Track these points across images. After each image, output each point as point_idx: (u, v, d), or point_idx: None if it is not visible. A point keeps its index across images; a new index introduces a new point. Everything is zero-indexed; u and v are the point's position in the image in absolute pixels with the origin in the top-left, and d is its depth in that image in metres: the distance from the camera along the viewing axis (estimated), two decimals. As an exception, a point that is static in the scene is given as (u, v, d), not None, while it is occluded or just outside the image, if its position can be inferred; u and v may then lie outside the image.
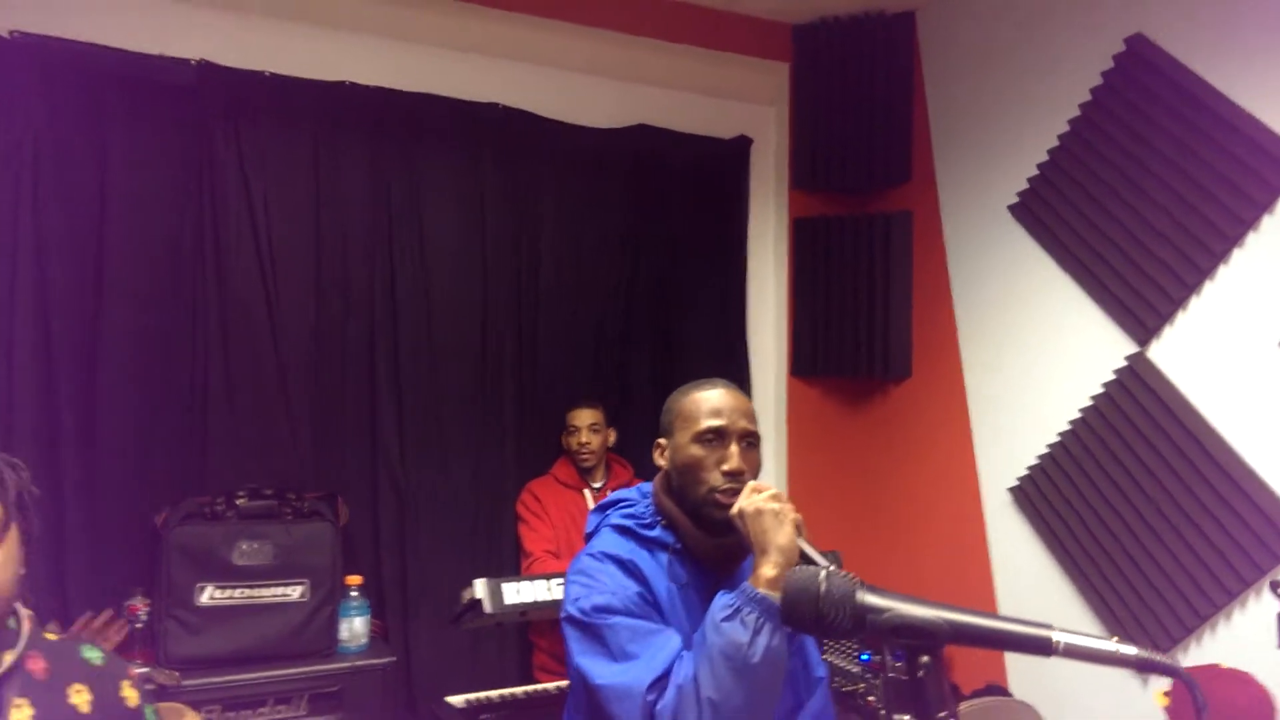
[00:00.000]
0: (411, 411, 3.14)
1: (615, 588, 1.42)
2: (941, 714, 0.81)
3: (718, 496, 1.46)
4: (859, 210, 3.83)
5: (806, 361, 3.85)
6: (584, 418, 3.21)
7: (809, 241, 3.84)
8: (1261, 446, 2.45)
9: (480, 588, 2.40)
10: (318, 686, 2.58)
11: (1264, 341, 2.45)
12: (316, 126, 3.04)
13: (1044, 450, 3.07)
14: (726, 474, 1.47)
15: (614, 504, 1.62)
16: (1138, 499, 2.74)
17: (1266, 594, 2.43)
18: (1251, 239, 2.50)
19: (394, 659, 2.73)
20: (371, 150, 3.12)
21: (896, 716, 2.44)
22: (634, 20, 3.50)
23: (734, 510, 1.39)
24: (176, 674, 2.42)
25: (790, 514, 1.36)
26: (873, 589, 0.86)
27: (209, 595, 2.55)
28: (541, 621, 3.06)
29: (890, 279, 3.69)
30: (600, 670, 1.35)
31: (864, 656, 3.16)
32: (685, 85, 3.68)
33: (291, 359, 2.98)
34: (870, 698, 3.08)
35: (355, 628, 2.73)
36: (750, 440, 1.52)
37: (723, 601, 1.32)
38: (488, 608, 2.38)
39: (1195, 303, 2.64)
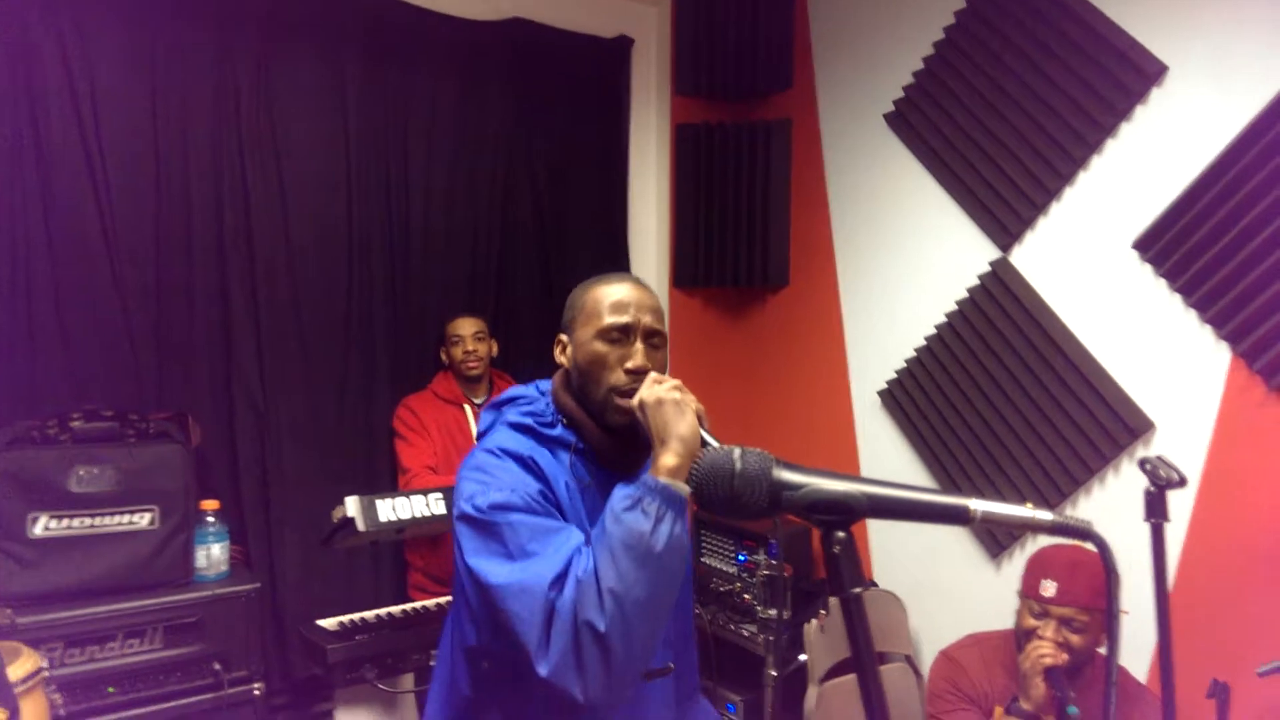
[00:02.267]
0: (269, 325, 2.93)
1: (514, 484, 1.33)
2: (856, 589, 0.78)
3: (618, 399, 1.40)
4: (740, 117, 3.78)
5: (688, 271, 3.82)
6: (467, 326, 3.08)
7: (690, 148, 3.77)
8: (1112, 344, 2.59)
9: (352, 505, 2.28)
10: (173, 618, 2.42)
11: (1118, 243, 2.56)
12: (152, 13, 2.71)
13: (911, 354, 3.17)
14: (629, 372, 1.40)
15: (509, 401, 1.52)
16: (996, 397, 2.87)
17: (1115, 479, 2.60)
18: (1110, 145, 2.59)
19: (257, 585, 2.58)
20: (217, 42, 2.83)
21: (770, 611, 2.48)
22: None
23: (634, 401, 1.34)
24: (9, 611, 2.21)
25: (692, 403, 1.32)
26: (788, 465, 0.82)
27: (43, 526, 2.34)
28: (418, 540, 2.97)
29: (769, 187, 3.68)
30: (496, 569, 1.27)
31: (740, 557, 3.24)
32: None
33: (129, 273, 2.71)
34: (746, 595, 3.17)
35: (213, 554, 2.57)
36: (656, 340, 1.45)
37: (623, 493, 1.26)
38: (361, 525, 2.27)
39: (1056, 208, 2.74)
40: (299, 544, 2.93)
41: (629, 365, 1.40)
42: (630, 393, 1.38)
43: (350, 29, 3.04)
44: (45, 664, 2.08)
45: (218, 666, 2.46)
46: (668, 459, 1.26)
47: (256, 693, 2.52)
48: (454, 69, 3.27)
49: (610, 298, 1.44)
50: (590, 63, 3.59)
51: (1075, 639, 2.01)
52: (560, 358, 1.51)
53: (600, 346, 1.42)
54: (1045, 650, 1.98)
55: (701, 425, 1.30)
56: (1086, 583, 2.03)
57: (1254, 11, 2.25)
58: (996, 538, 2.89)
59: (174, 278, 2.79)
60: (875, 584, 3.21)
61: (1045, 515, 0.76)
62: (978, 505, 0.76)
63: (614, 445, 1.44)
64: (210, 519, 2.58)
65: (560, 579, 1.23)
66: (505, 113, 3.39)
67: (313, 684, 3.00)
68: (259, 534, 2.90)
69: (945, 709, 2.21)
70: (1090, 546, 0.76)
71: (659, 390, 1.32)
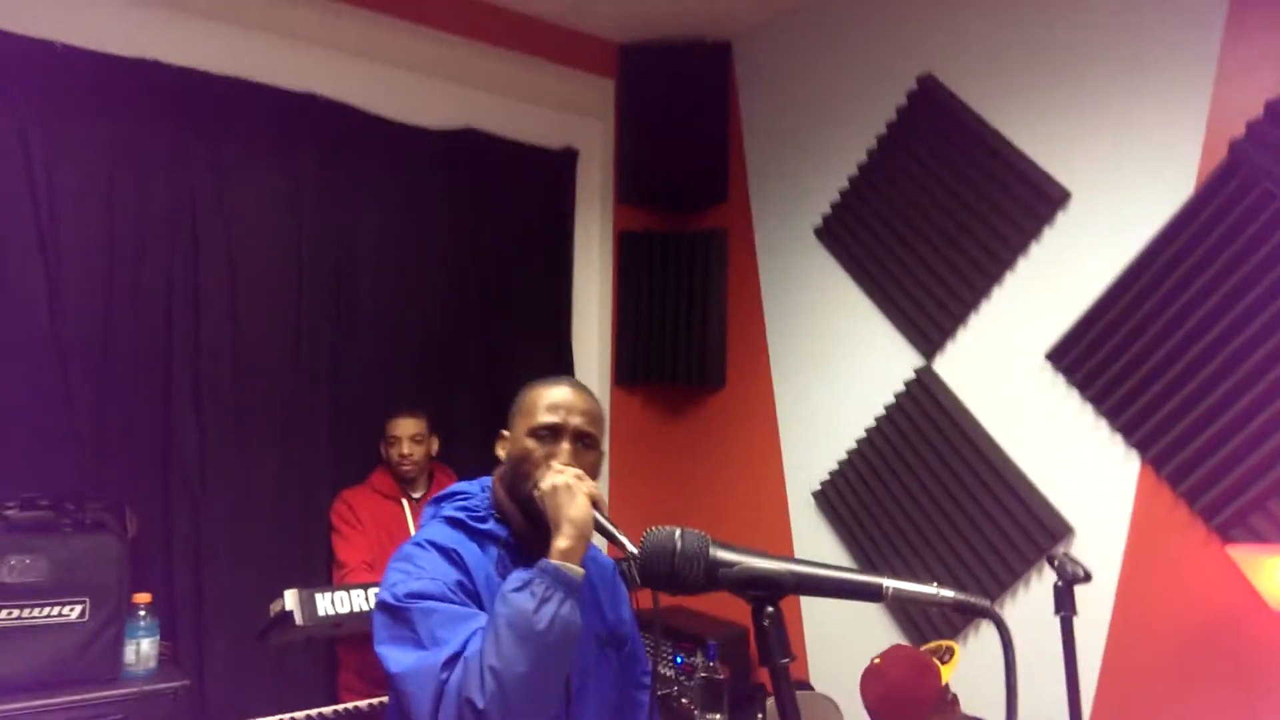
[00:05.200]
0: (212, 416, 2.94)
1: (435, 573, 1.40)
2: (784, 660, 0.86)
3: (535, 491, 1.44)
4: (680, 227, 3.98)
5: (628, 370, 3.94)
6: (406, 427, 3.10)
7: (632, 254, 3.94)
8: (1028, 448, 2.74)
9: (290, 599, 2.27)
10: (99, 715, 2.34)
11: (1032, 354, 2.74)
12: (112, 107, 2.81)
13: (843, 455, 3.29)
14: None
15: (449, 496, 1.59)
16: (924, 499, 2.99)
17: (1038, 582, 2.71)
18: (1022, 264, 2.80)
19: (186, 682, 2.52)
20: (174, 137, 2.92)
21: (709, 716, 2.50)
22: (464, 22, 3.49)
23: (534, 490, 1.41)
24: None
25: (584, 488, 1.39)
26: (723, 545, 0.91)
27: (-31, 617, 2.26)
28: (351, 637, 2.93)
29: (707, 293, 3.85)
30: (401, 657, 1.32)
31: (678, 659, 3.25)
32: (514, 93, 3.69)
33: (75, 356, 2.72)
34: (684, 699, 3.16)
35: (143, 649, 2.51)
36: (586, 440, 1.51)
37: (515, 576, 1.33)
38: (299, 619, 2.26)
39: (974, 319, 2.93)
40: (229, 639, 2.87)
41: (554, 464, 1.46)
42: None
43: (306, 132, 3.17)
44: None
45: (142, 768, 2.38)
46: (560, 542, 1.34)
47: (178, 798, 2.43)
48: (405, 173, 3.41)
49: (546, 399, 1.52)
50: (537, 171, 3.77)
51: None
52: (499, 452, 1.58)
53: (530, 443, 1.49)
54: None
55: (597, 509, 1.38)
56: (899, 707, 2.10)
57: (1150, 134, 2.48)
58: (924, 633, 2.97)
59: (119, 368, 2.80)
60: (812, 687, 3.25)
61: (948, 593, 0.86)
62: (889, 583, 0.86)
63: (539, 540, 1.46)
64: (142, 612, 2.53)
65: (453, 660, 1.29)
66: (454, 215, 3.52)
67: (236, 790, 2.89)
68: (189, 628, 2.83)
69: None
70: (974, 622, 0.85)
71: (555, 478, 1.39)
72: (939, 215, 3.00)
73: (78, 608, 2.39)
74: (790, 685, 0.86)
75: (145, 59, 2.85)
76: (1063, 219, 2.69)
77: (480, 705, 1.22)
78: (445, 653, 1.29)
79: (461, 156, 3.52)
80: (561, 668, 1.33)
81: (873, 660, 2.17)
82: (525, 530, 1.49)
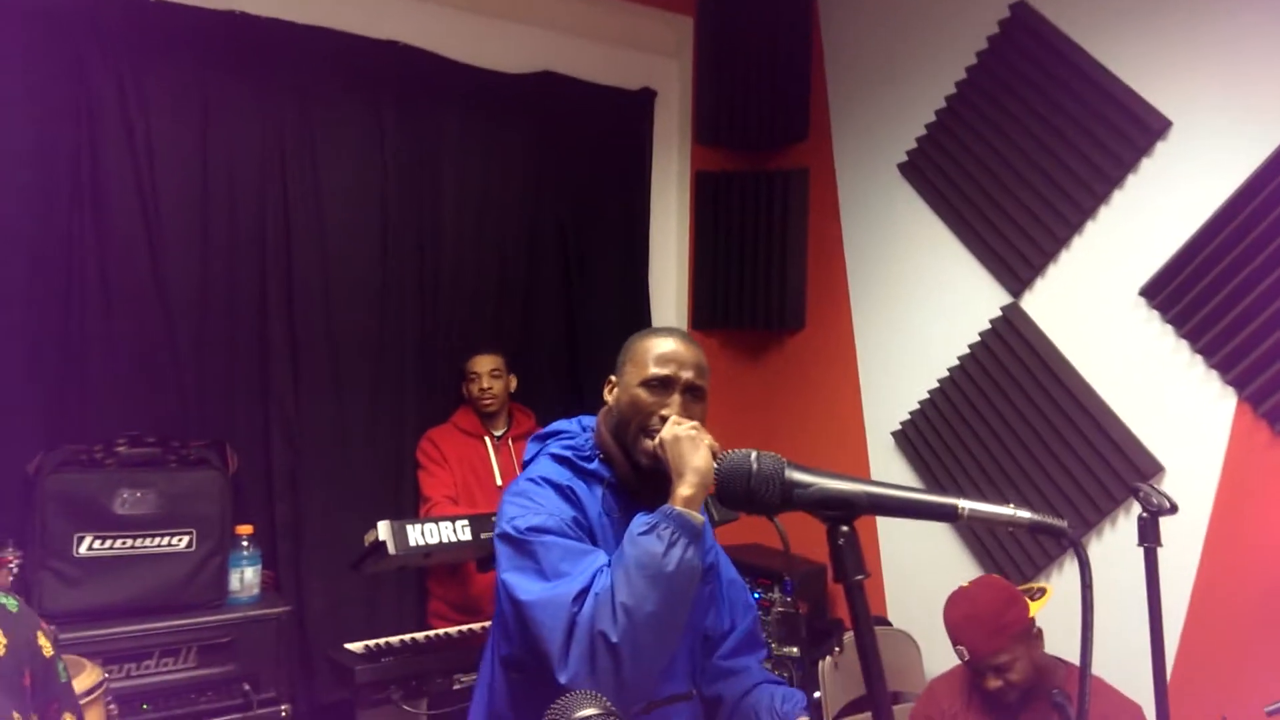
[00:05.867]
0: (306, 359, 3.06)
1: (552, 509, 1.46)
2: (859, 576, 0.87)
3: (644, 438, 1.51)
4: (759, 166, 3.92)
5: (706, 314, 3.93)
6: (484, 364, 3.19)
7: (710, 195, 3.91)
8: (1121, 388, 2.66)
9: (384, 529, 2.38)
10: (207, 638, 2.50)
11: (1125, 290, 2.64)
12: (204, 59, 2.89)
13: (924, 396, 3.24)
14: (663, 419, 1.50)
15: (554, 434, 1.65)
16: (1009, 439, 2.93)
17: (1126, 521, 2.65)
18: (1117, 197, 2.68)
19: (289, 608, 2.67)
20: (262, 86, 2.99)
21: (786, 649, 2.54)
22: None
23: (654, 441, 1.45)
24: (53, 628, 2.30)
25: (706, 439, 1.43)
26: (799, 467, 0.93)
27: (88, 546, 2.43)
28: (439, 569, 3.05)
29: (787, 234, 3.80)
30: (528, 586, 1.38)
31: (755, 595, 3.29)
32: (591, 34, 3.67)
33: (177, 303, 2.86)
34: (762, 634, 3.21)
35: (246, 578, 2.66)
36: (695, 392, 1.55)
37: (642, 519, 1.38)
38: (392, 549, 2.37)
39: (1065, 255, 2.83)
40: (326, 570, 3.01)
41: (663, 413, 1.51)
42: (655, 434, 1.49)
43: (386, 80, 3.21)
44: (106, 676, 2.17)
45: (247, 687, 2.53)
46: (683, 489, 1.38)
47: (284, 714, 2.58)
48: (485, 119, 3.43)
49: (657, 350, 1.55)
50: (615, 113, 3.75)
51: (1013, 676, 2.05)
52: (608, 396, 1.62)
53: (641, 393, 1.53)
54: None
55: (716, 460, 1.39)
56: (982, 630, 2.07)
57: (1254, 65, 2.36)
58: (1007, 574, 2.93)
59: (218, 316, 2.93)
60: (890, 623, 3.25)
61: (1024, 513, 0.86)
62: (965, 503, 0.86)
63: (641, 481, 1.54)
64: (244, 543, 2.67)
65: (582, 595, 1.34)
66: (532, 160, 3.54)
67: (336, 708, 3.05)
68: (289, 559, 2.99)
69: None
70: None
71: (677, 429, 1.43)
72: (1031, 148, 2.89)
73: (185, 538, 2.54)
74: (865, 602, 0.87)
75: (234, 11, 2.92)
76: (1162, 149, 2.57)
77: (614, 639, 1.29)
78: (575, 586, 1.35)
79: (540, 100, 3.53)
80: (685, 607, 1.38)
81: (962, 585, 2.17)
82: (628, 473, 1.54)
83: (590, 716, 0.92)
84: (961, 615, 2.12)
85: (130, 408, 2.75)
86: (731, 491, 0.95)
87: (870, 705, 0.86)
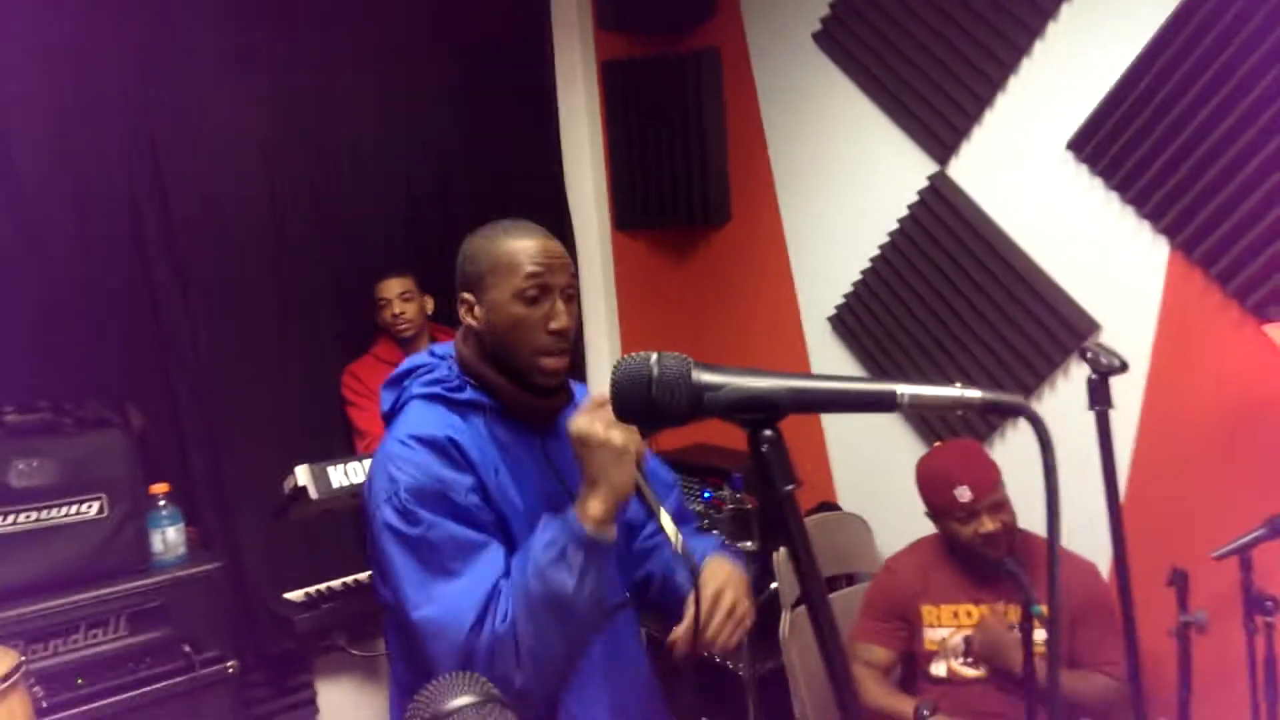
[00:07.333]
0: (199, 299, 2.85)
1: (432, 477, 1.27)
2: (788, 486, 0.76)
3: (543, 361, 1.34)
4: (667, 50, 3.70)
5: (628, 214, 3.77)
6: (392, 288, 3.03)
7: (619, 85, 3.70)
8: (1050, 246, 2.60)
9: (303, 474, 2.25)
10: (134, 604, 2.37)
11: (1052, 146, 2.56)
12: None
13: (857, 276, 3.16)
14: (552, 333, 1.34)
15: (408, 373, 1.44)
16: (944, 311, 2.88)
17: (1064, 382, 2.63)
18: (1038, 47, 2.57)
19: (219, 564, 2.54)
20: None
21: (741, 544, 2.50)
22: None
23: (572, 430, 1.24)
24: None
25: (633, 449, 1.24)
26: (708, 367, 0.80)
27: (-13, 524, 2.26)
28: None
29: (704, 120, 3.62)
30: (414, 596, 1.22)
31: (705, 494, 3.25)
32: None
33: (45, 256, 2.61)
34: (715, 531, 3.19)
35: (169, 538, 2.52)
36: (571, 292, 1.38)
37: (545, 539, 1.22)
38: (313, 494, 2.25)
39: (989, 116, 2.72)
40: (259, 519, 2.88)
41: (553, 326, 1.34)
42: (554, 354, 1.34)
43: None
44: (23, 659, 2.03)
45: (187, 649, 2.42)
46: (596, 506, 1.21)
47: (231, 671, 2.48)
48: (374, 17, 3.16)
49: (525, 254, 1.35)
50: (509, 2, 3.48)
51: (1006, 517, 2.12)
52: (468, 318, 1.39)
53: (520, 309, 1.33)
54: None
55: (639, 470, 1.25)
56: (983, 465, 2.15)
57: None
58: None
59: (93, 260, 2.69)
60: (839, 507, 3.25)
61: (974, 393, 0.75)
62: (905, 389, 0.75)
63: (533, 406, 1.39)
64: (161, 503, 2.52)
65: (479, 624, 1.19)
66: (427, 60, 3.28)
67: (288, 658, 2.98)
68: (215, 513, 2.85)
69: (862, 629, 2.30)
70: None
71: (600, 430, 1.22)
72: (948, 3, 2.74)
73: (94, 504, 2.38)
74: (799, 515, 0.76)
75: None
76: (1082, -8, 2.45)
77: (517, 684, 1.17)
78: (468, 613, 1.19)
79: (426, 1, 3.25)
80: (591, 632, 1.27)
81: (935, 445, 2.19)
82: (516, 398, 1.37)
83: (465, 706, 0.79)
84: (956, 458, 2.16)
85: (12, 374, 2.54)
86: (630, 404, 0.81)
87: (823, 656, 0.76)
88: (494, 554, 1.26)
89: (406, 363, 1.47)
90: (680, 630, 1.28)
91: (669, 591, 1.48)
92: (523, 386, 1.37)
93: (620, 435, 1.21)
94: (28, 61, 2.57)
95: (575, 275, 1.40)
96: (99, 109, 2.69)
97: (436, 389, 1.37)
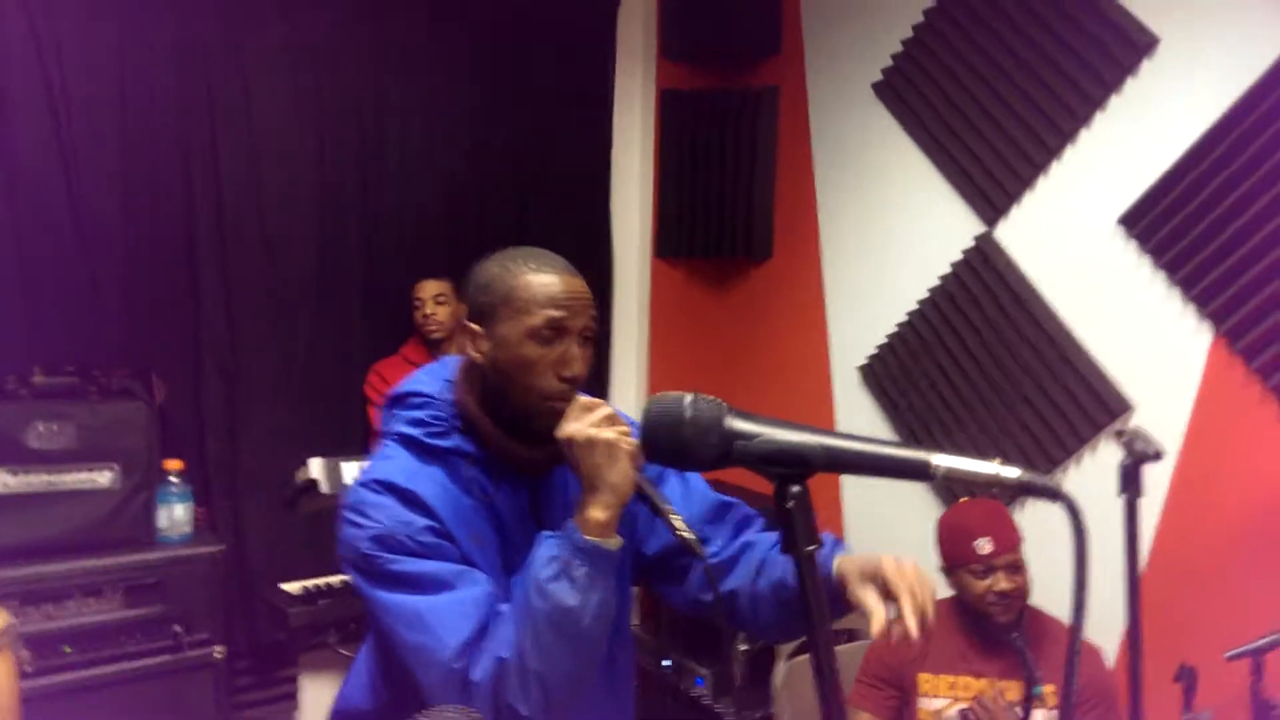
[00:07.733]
0: (239, 281, 2.89)
1: (395, 522, 1.18)
2: (809, 548, 0.73)
3: (550, 405, 1.21)
4: (727, 83, 3.70)
5: (670, 241, 3.76)
6: (428, 289, 3.05)
7: (676, 114, 3.70)
8: (1093, 322, 2.55)
9: (316, 467, 2.26)
10: (133, 578, 2.38)
11: (1103, 219, 2.51)
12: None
13: (892, 329, 3.13)
14: (564, 379, 1.22)
15: (404, 398, 1.32)
16: (976, 375, 2.83)
17: (1091, 460, 2.57)
18: (1099, 119, 2.53)
19: (222, 547, 2.54)
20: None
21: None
22: None
23: (561, 434, 1.16)
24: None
25: (625, 445, 1.15)
26: (742, 414, 0.77)
27: (1, 482, 2.27)
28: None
29: (755, 156, 3.60)
30: (398, 628, 1.17)
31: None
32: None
33: (93, 227, 2.66)
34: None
35: (176, 515, 2.53)
36: (589, 334, 1.25)
37: (545, 554, 1.14)
38: (324, 488, 2.25)
39: (1042, 181, 2.68)
40: (266, 507, 2.88)
41: (566, 373, 1.22)
42: (562, 399, 1.21)
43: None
44: (14, 621, 2.03)
45: (178, 629, 2.42)
46: (596, 512, 1.13)
47: (217, 655, 2.48)
48: (435, 26, 3.19)
49: (546, 291, 1.22)
50: (574, 24, 3.51)
51: (1021, 580, 2.07)
52: (470, 350, 1.26)
53: (532, 350, 1.21)
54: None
55: (637, 469, 1.17)
56: (1007, 524, 2.11)
57: (1248, -17, 2.20)
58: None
59: (140, 233, 2.74)
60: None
61: (1011, 471, 0.71)
62: (940, 459, 0.72)
63: (527, 456, 1.27)
64: (173, 479, 2.53)
65: (468, 647, 1.13)
66: (484, 72, 3.31)
67: (278, 650, 2.96)
68: (225, 495, 2.86)
69: (854, 694, 2.27)
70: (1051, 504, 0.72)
71: (589, 428, 1.14)
72: (1011, 66, 2.72)
73: (108, 473, 2.39)
74: (817, 579, 0.73)
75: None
76: (1148, 68, 2.41)
77: (525, 713, 1.11)
78: (449, 635, 1.13)
79: (492, 8, 3.28)
80: (601, 651, 1.19)
81: (960, 500, 2.18)
82: (508, 447, 1.26)
83: None
84: (980, 512, 2.13)
85: (46, 338, 2.58)
86: (660, 444, 0.78)
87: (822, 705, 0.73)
88: (476, 578, 1.20)
89: (407, 383, 1.36)
90: (878, 626, 1.08)
91: (769, 591, 1.33)
92: (516, 433, 1.26)
93: (610, 432, 1.14)
94: (92, 59, 2.64)
95: (595, 318, 1.27)
96: (158, 103, 2.75)
97: (417, 432, 1.27)
